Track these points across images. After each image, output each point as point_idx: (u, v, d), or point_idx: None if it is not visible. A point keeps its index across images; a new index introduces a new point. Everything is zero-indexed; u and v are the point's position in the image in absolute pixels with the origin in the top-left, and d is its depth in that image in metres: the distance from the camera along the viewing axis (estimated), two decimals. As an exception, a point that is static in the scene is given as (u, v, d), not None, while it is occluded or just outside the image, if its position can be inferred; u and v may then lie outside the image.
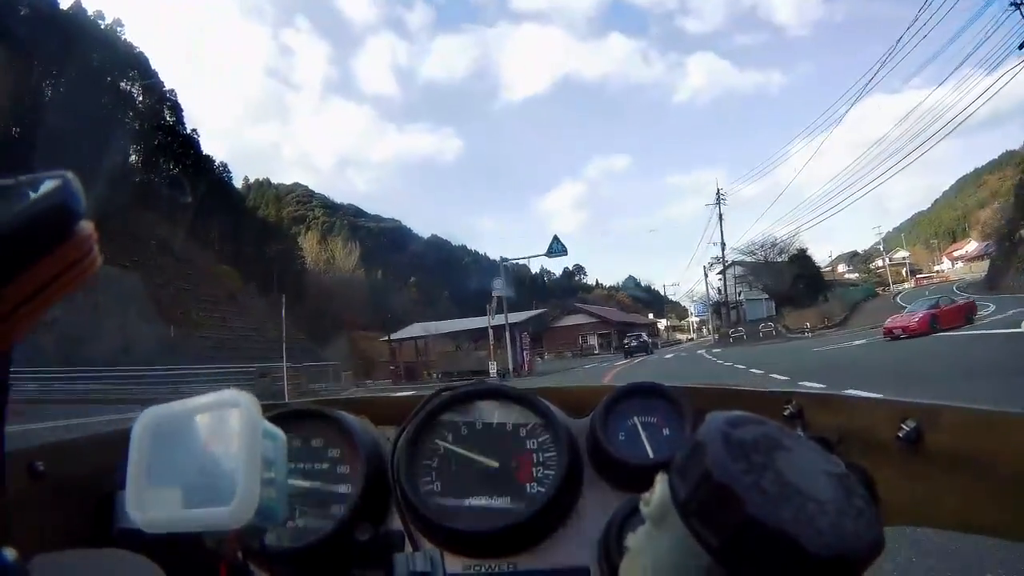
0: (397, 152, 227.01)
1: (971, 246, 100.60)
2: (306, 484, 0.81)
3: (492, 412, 0.86)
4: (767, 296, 60.36)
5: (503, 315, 34.08)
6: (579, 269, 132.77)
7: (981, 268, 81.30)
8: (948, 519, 0.61)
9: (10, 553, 0.40)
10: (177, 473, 0.48)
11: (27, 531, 0.70)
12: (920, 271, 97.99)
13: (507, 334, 33.78)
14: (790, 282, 58.18)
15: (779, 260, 60.20)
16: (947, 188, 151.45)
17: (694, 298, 76.42)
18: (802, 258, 61.22)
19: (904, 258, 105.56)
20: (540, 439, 0.83)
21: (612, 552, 0.69)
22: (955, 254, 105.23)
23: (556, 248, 34.60)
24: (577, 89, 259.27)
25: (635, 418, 0.85)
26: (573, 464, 0.80)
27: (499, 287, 34.40)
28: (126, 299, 33.86)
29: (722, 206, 55.78)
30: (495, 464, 0.81)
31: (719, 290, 59.20)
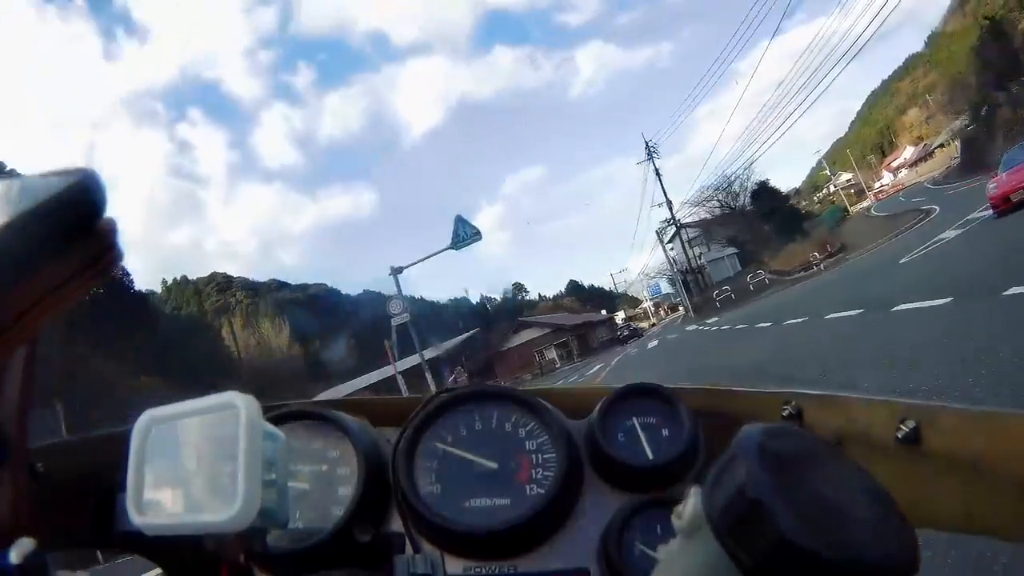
0: (313, 218, 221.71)
1: (907, 152, 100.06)
2: (306, 486, 0.80)
3: (491, 413, 0.85)
4: (731, 252, 55.58)
5: (420, 351, 23.77)
6: (519, 288, 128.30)
7: (928, 168, 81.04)
8: (948, 520, 0.61)
9: (28, 543, 0.40)
10: (177, 475, 0.48)
11: (26, 532, 0.66)
12: (863, 189, 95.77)
13: (427, 373, 23.68)
14: (758, 224, 53.31)
15: (736, 205, 55.27)
16: (859, 108, 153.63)
17: (649, 275, 71.09)
18: (767, 191, 54.97)
19: (849, 180, 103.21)
20: (539, 440, 0.82)
21: (612, 554, 0.70)
22: (893, 164, 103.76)
23: (463, 234, 22.67)
24: (474, 110, 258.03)
25: (634, 419, 0.84)
26: (572, 465, 0.80)
27: (398, 311, 23.26)
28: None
29: (656, 162, 50.09)
30: (494, 466, 0.81)
31: (674, 260, 53.93)
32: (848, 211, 69.57)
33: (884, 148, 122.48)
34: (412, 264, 24.57)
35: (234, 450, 0.45)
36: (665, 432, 0.82)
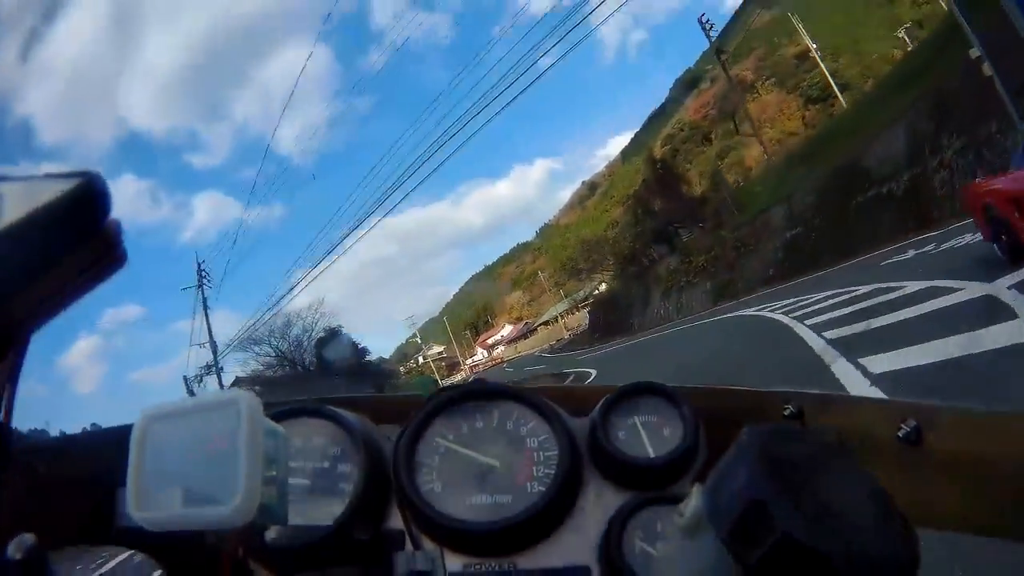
0: None
1: (505, 330, 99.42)
2: (306, 482, 0.79)
3: (493, 411, 0.85)
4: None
5: None
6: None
7: (531, 344, 77.48)
8: (948, 520, 0.62)
9: (29, 538, 0.40)
10: (178, 471, 0.48)
11: (25, 529, 0.66)
12: (456, 363, 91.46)
13: None
14: (324, 383, 36.38)
15: (299, 358, 37.96)
16: (456, 291, 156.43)
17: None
18: (336, 336, 38.94)
19: (441, 352, 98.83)
20: (540, 438, 0.82)
21: (613, 552, 0.71)
22: (489, 341, 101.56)
23: None
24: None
25: (635, 417, 0.84)
26: (573, 463, 0.80)
27: None
28: None
29: (208, 292, 35.30)
30: (495, 463, 0.80)
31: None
32: (438, 382, 58.98)
33: (479, 327, 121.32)
34: None
35: (235, 446, 0.46)
36: (666, 431, 0.82)
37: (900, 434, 0.62)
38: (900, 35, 42.49)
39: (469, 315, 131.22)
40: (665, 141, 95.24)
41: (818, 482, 0.37)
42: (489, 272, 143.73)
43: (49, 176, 0.39)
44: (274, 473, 0.49)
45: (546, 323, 78.30)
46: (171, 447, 0.48)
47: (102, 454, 0.69)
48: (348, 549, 0.70)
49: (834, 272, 15.76)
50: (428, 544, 0.74)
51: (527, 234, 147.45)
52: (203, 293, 36.15)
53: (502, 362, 69.98)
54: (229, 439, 0.46)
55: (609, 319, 38.61)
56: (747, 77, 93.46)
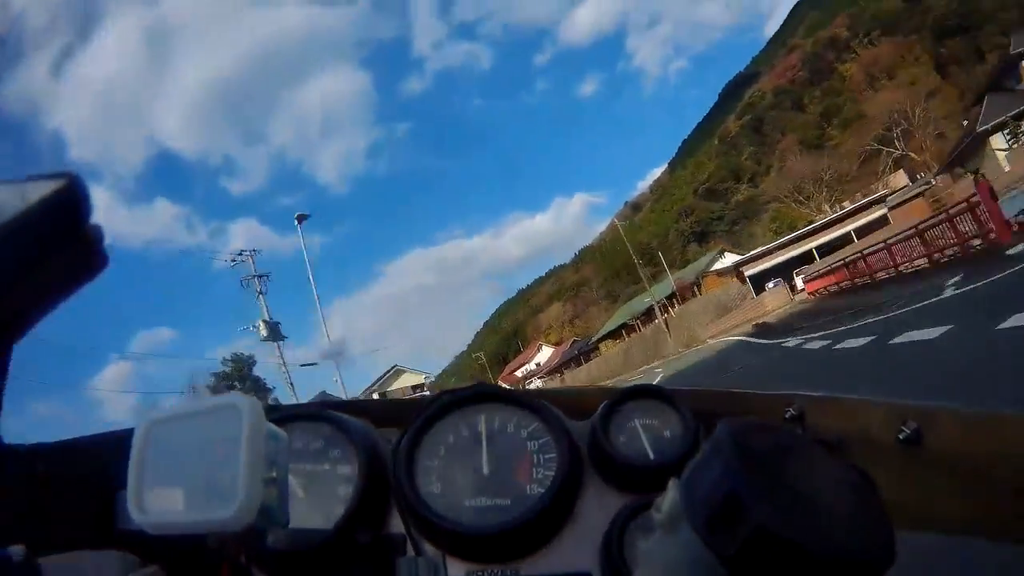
0: None
1: (542, 355, 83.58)
2: (307, 486, 0.80)
3: (493, 415, 0.85)
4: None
5: None
6: None
7: (584, 376, 59.67)
8: (948, 522, 0.62)
9: (19, 550, 0.41)
10: (179, 474, 0.48)
11: (26, 532, 0.68)
12: None
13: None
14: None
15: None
16: (488, 320, 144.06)
17: None
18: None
19: (419, 386, 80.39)
20: (540, 441, 0.82)
21: (614, 555, 0.70)
22: (518, 373, 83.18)
23: None
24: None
25: (636, 420, 0.85)
26: (573, 466, 0.80)
27: None
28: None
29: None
30: (496, 467, 0.81)
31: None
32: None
33: (508, 356, 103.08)
34: None
35: (236, 449, 0.45)
36: (667, 433, 0.83)
37: (900, 436, 0.62)
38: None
39: (494, 344, 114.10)
40: (742, 112, 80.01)
41: (792, 473, 0.37)
42: (523, 295, 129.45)
43: (31, 178, 0.39)
44: (275, 476, 0.48)
45: (613, 334, 58.94)
46: (172, 450, 0.48)
47: (103, 457, 0.68)
48: (349, 553, 0.68)
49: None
50: (430, 549, 0.73)
51: (564, 258, 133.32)
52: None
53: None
54: (230, 442, 0.46)
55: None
56: (840, 35, 76.50)
